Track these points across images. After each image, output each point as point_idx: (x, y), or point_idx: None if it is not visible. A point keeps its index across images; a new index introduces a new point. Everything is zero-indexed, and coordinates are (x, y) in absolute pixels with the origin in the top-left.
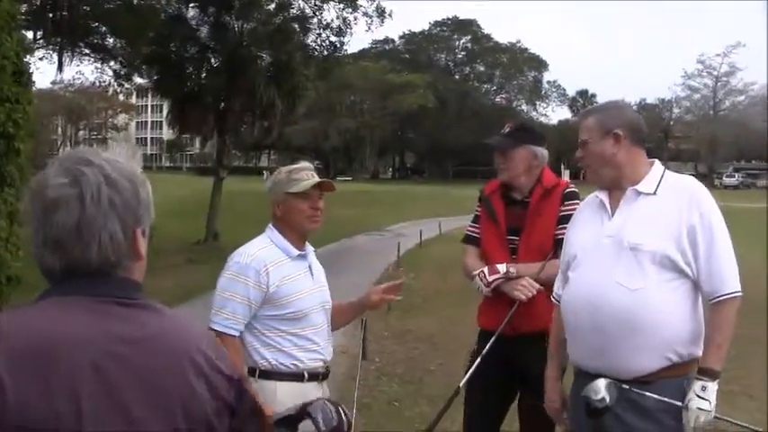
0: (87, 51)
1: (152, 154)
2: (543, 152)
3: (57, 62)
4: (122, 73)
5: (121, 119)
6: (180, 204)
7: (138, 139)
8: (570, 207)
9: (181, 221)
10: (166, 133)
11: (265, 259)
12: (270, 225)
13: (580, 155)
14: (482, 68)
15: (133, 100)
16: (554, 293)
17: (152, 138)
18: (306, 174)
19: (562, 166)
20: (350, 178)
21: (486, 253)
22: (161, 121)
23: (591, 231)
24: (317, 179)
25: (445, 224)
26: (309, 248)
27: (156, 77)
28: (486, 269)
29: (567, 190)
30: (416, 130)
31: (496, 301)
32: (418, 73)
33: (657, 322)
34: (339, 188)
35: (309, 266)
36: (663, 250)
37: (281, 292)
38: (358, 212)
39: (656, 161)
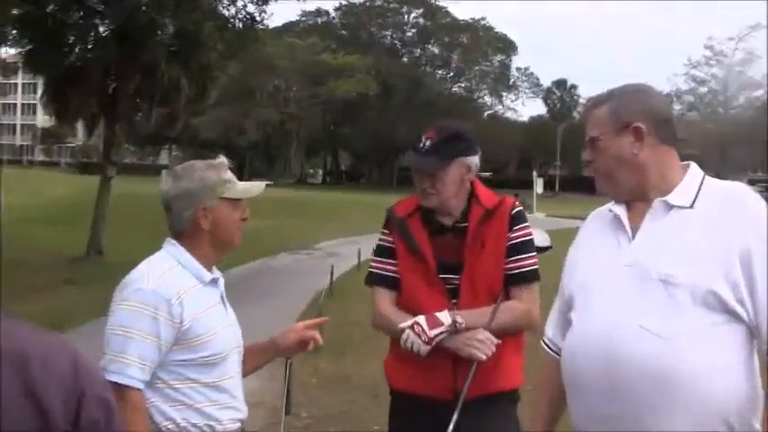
0: None
1: (22, 145)
2: (476, 161)
3: None
4: None
5: None
6: (56, 208)
7: (4, 126)
8: (521, 233)
9: (56, 230)
10: (41, 120)
11: (177, 284)
12: (170, 241)
13: (588, 156)
14: (436, 50)
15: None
16: (546, 339)
17: (23, 125)
18: (230, 172)
19: (534, 174)
20: (270, 182)
21: (413, 299)
22: (35, 104)
23: (603, 258)
24: (259, 183)
25: None
26: (217, 272)
27: (27, 48)
28: (422, 320)
29: (515, 210)
30: (354, 124)
31: (431, 357)
32: (357, 54)
33: (700, 383)
34: (257, 195)
35: (221, 296)
36: (706, 284)
37: (195, 330)
38: (281, 225)
39: (693, 164)
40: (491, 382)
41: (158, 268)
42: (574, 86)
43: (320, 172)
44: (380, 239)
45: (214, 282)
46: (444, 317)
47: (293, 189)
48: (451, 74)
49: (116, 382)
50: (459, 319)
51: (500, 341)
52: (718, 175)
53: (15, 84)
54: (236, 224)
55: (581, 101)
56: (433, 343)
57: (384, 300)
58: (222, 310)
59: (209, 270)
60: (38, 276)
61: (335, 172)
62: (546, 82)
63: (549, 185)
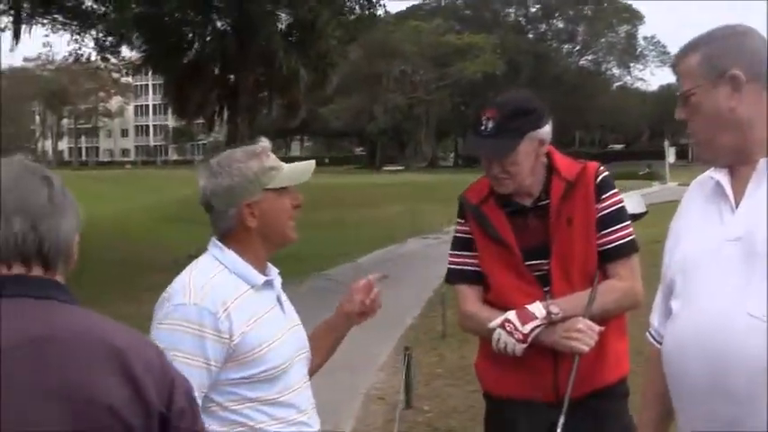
0: (58, 16)
1: (156, 145)
2: (548, 131)
3: (12, 30)
4: (106, 43)
5: (115, 103)
6: (182, 206)
7: (137, 127)
8: (611, 201)
9: (180, 228)
10: (172, 119)
11: (223, 294)
12: (215, 243)
13: (681, 114)
14: (561, 25)
15: (129, 79)
16: (651, 330)
17: (155, 125)
18: (274, 156)
19: (666, 143)
20: (402, 167)
21: (500, 292)
22: (166, 105)
23: (703, 233)
24: (307, 163)
25: None
26: (274, 270)
27: (146, 47)
28: (513, 316)
29: (600, 177)
30: (483, 104)
31: (527, 355)
32: (482, 33)
33: None
34: (389, 180)
35: (278, 297)
36: None
37: (248, 343)
38: (412, 210)
39: None
40: (597, 375)
41: (201, 277)
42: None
43: (452, 155)
44: (456, 230)
45: (268, 284)
46: (537, 309)
47: (425, 173)
48: (578, 47)
49: None
50: (553, 310)
51: (602, 328)
52: None
53: (146, 85)
54: (287, 215)
55: None
56: (528, 340)
57: (469, 297)
58: (280, 314)
59: (263, 270)
60: (160, 275)
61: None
62: (674, 49)
63: (681, 154)
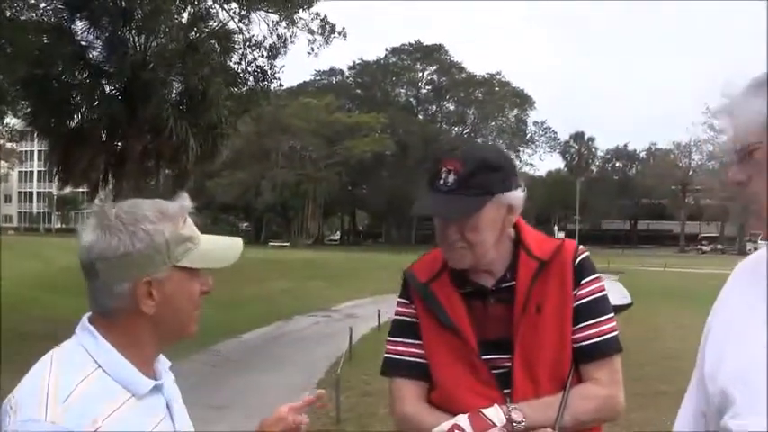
0: None
1: (39, 213)
2: (519, 197)
3: None
4: None
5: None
6: (67, 275)
7: (21, 193)
8: (592, 288)
9: (65, 298)
10: (57, 187)
11: (93, 408)
12: (86, 326)
13: (740, 175)
14: (452, 107)
15: (13, 145)
16: None
17: (38, 192)
18: (192, 224)
19: (555, 228)
20: (287, 244)
21: (449, 391)
22: (51, 171)
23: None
24: (232, 240)
25: None
26: (163, 362)
27: (32, 110)
28: (464, 422)
29: (580, 257)
30: (371, 183)
31: None
32: (373, 113)
33: None
34: (274, 256)
35: (168, 404)
36: None
37: None
38: (297, 286)
39: None
40: None
41: (64, 380)
42: (591, 139)
43: (338, 232)
44: (397, 312)
45: (157, 389)
46: (495, 414)
47: (310, 250)
48: (467, 130)
49: None
50: (516, 417)
51: None
52: (743, 226)
53: (32, 151)
54: (193, 303)
55: (599, 153)
56: None
57: (408, 395)
58: (169, 427)
59: (149, 370)
60: (43, 344)
61: (353, 231)
62: (563, 135)
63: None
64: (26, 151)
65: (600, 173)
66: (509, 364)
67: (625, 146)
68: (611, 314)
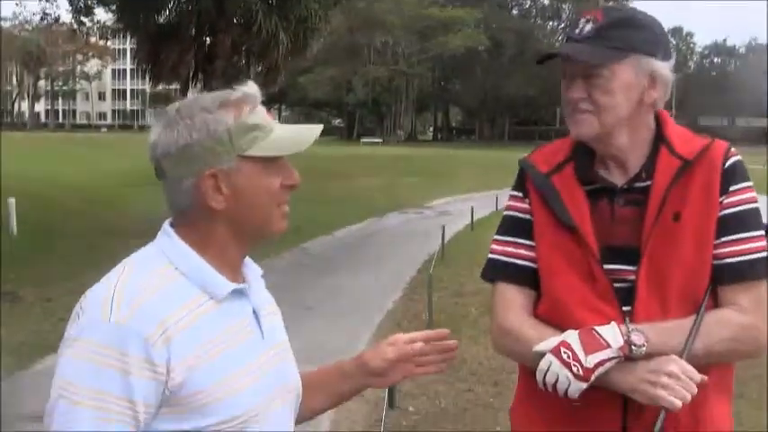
0: None
1: (133, 110)
2: (667, 70)
3: None
4: (80, 5)
5: (93, 66)
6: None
7: (115, 91)
8: (743, 197)
9: (154, 193)
10: (150, 84)
11: (162, 309)
12: (166, 229)
13: None
14: (546, 1)
15: (108, 42)
16: None
17: (132, 90)
18: (264, 112)
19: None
20: (380, 140)
21: (560, 302)
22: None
23: None
24: (309, 128)
25: (503, 199)
26: (253, 269)
27: (117, 5)
28: (574, 340)
29: (730, 160)
30: (464, 79)
31: (586, 400)
32: (467, 7)
33: None
34: (366, 152)
35: (254, 311)
36: None
37: (195, 382)
38: (390, 184)
39: None
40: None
41: (134, 281)
42: (690, 34)
43: (431, 128)
44: (509, 207)
45: (239, 293)
46: (612, 334)
47: (403, 147)
48: (563, 25)
49: None
50: (636, 340)
51: (705, 377)
52: None
53: (125, 49)
54: (273, 198)
55: (697, 50)
56: (592, 377)
57: (512, 304)
58: (255, 338)
59: (233, 273)
60: (135, 242)
61: (446, 128)
62: (664, 24)
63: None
64: (119, 49)
65: (697, 69)
66: (633, 277)
67: (724, 41)
68: (762, 231)
